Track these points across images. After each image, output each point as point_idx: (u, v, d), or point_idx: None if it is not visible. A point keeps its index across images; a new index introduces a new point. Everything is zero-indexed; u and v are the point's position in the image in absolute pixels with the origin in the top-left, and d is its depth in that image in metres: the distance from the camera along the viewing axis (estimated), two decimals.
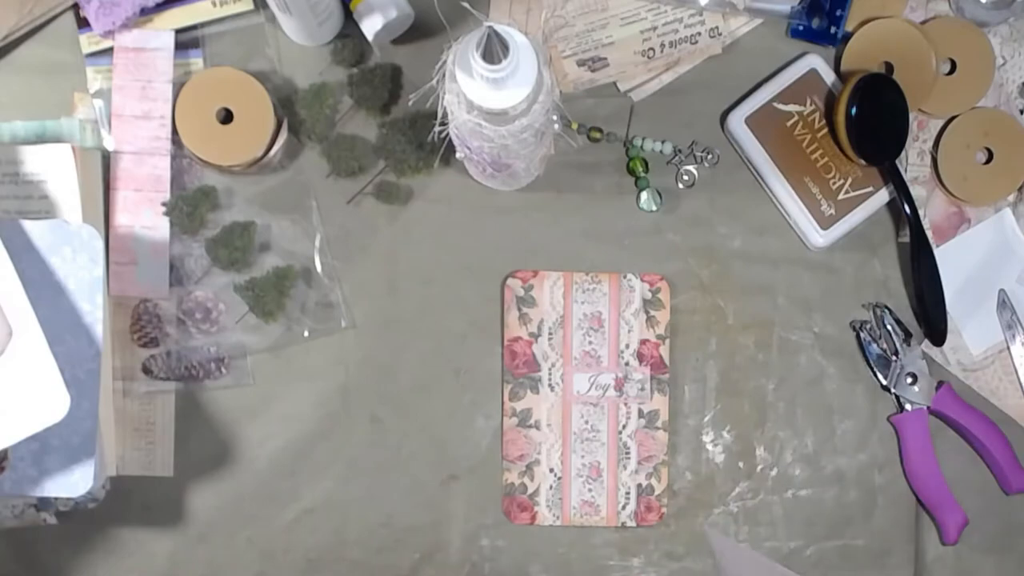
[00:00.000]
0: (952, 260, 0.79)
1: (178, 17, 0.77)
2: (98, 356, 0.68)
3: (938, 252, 0.78)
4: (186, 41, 0.77)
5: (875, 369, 0.78)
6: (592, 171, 0.79)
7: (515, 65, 0.54)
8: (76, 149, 0.73)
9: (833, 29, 0.78)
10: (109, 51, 0.76)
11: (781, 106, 0.78)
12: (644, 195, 0.78)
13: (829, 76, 0.79)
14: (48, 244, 0.67)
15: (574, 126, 0.78)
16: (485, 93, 0.55)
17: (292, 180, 0.78)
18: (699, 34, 0.79)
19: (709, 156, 0.79)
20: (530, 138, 0.61)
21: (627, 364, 0.77)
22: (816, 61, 0.79)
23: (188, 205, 0.76)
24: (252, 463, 0.77)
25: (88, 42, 0.77)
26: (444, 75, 0.57)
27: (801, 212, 0.78)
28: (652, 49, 0.78)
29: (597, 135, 0.78)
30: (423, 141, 0.76)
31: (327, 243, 0.77)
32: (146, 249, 0.76)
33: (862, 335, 0.78)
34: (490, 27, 0.52)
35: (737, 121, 0.78)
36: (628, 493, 0.77)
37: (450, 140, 0.68)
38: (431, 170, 0.78)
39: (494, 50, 0.52)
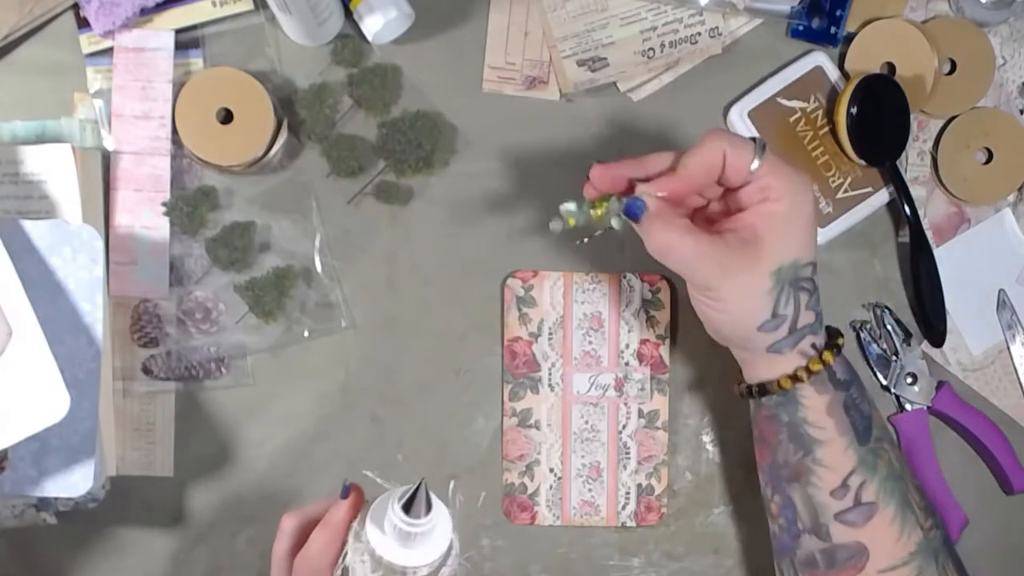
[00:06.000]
0: (952, 260, 0.79)
1: (178, 17, 0.77)
2: (98, 356, 0.68)
3: (938, 252, 0.78)
4: (186, 41, 0.77)
5: (875, 369, 0.78)
6: None
7: (433, 525, 0.53)
8: (76, 149, 0.73)
9: (833, 29, 0.78)
10: (109, 51, 0.76)
11: (784, 101, 0.78)
12: (615, 221, 0.66)
13: (833, 74, 0.79)
14: (48, 244, 0.67)
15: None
16: (396, 548, 0.54)
17: (292, 180, 0.78)
18: (699, 34, 0.79)
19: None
20: None
21: (627, 364, 0.77)
22: (821, 58, 0.78)
23: (188, 205, 0.76)
24: (252, 463, 0.77)
25: (88, 42, 0.77)
26: (351, 536, 0.56)
27: None
28: (652, 49, 0.78)
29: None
30: (423, 141, 0.76)
31: (327, 243, 0.77)
32: (146, 249, 0.76)
33: (862, 335, 0.78)
34: (424, 481, 0.52)
35: (739, 114, 0.78)
36: (628, 493, 0.77)
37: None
38: (431, 170, 0.78)
39: (420, 504, 0.52)
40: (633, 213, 0.62)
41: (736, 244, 0.61)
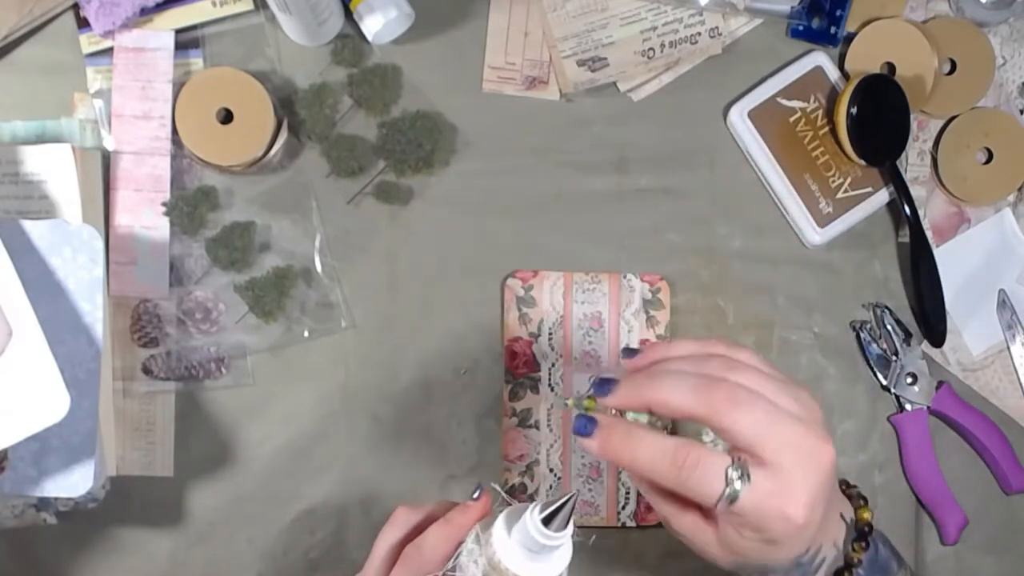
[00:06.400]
0: (952, 260, 0.79)
1: (178, 17, 0.77)
2: (98, 356, 0.68)
3: (938, 252, 0.78)
4: (186, 41, 0.77)
5: (875, 369, 0.78)
6: (592, 171, 0.79)
7: (560, 544, 0.52)
8: (76, 149, 0.73)
9: (833, 29, 0.78)
10: (109, 51, 0.76)
11: (785, 101, 0.78)
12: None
13: (834, 74, 0.79)
14: (48, 244, 0.67)
15: None
16: (517, 556, 0.52)
17: (292, 180, 0.78)
18: (699, 34, 0.79)
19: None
20: None
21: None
22: (822, 58, 0.79)
23: (188, 205, 0.76)
24: (252, 463, 0.77)
25: (88, 42, 0.77)
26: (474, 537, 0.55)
27: (799, 209, 0.78)
28: (652, 49, 0.78)
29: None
30: (423, 141, 0.76)
31: (327, 243, 0.77)
32: (146, 249, 0.76)
33: (862, 335, 0.78)
34: (575, 496, 0.51)
35: (739, 114, 0.78)
36: (628, 493, 0.77)
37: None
38: (431, 170, 0.78)
39: (563, 517, 0.50)
40: (581, 432, 0.53)
41: (695, 527, 0.54)
